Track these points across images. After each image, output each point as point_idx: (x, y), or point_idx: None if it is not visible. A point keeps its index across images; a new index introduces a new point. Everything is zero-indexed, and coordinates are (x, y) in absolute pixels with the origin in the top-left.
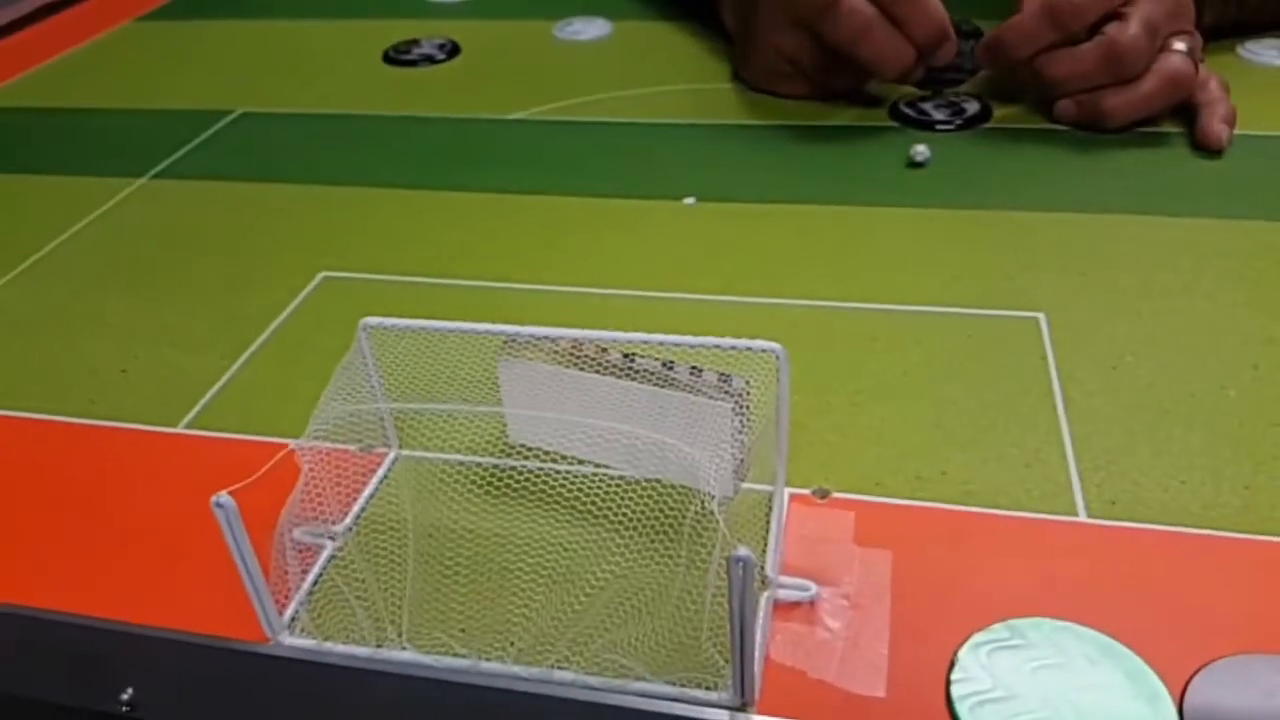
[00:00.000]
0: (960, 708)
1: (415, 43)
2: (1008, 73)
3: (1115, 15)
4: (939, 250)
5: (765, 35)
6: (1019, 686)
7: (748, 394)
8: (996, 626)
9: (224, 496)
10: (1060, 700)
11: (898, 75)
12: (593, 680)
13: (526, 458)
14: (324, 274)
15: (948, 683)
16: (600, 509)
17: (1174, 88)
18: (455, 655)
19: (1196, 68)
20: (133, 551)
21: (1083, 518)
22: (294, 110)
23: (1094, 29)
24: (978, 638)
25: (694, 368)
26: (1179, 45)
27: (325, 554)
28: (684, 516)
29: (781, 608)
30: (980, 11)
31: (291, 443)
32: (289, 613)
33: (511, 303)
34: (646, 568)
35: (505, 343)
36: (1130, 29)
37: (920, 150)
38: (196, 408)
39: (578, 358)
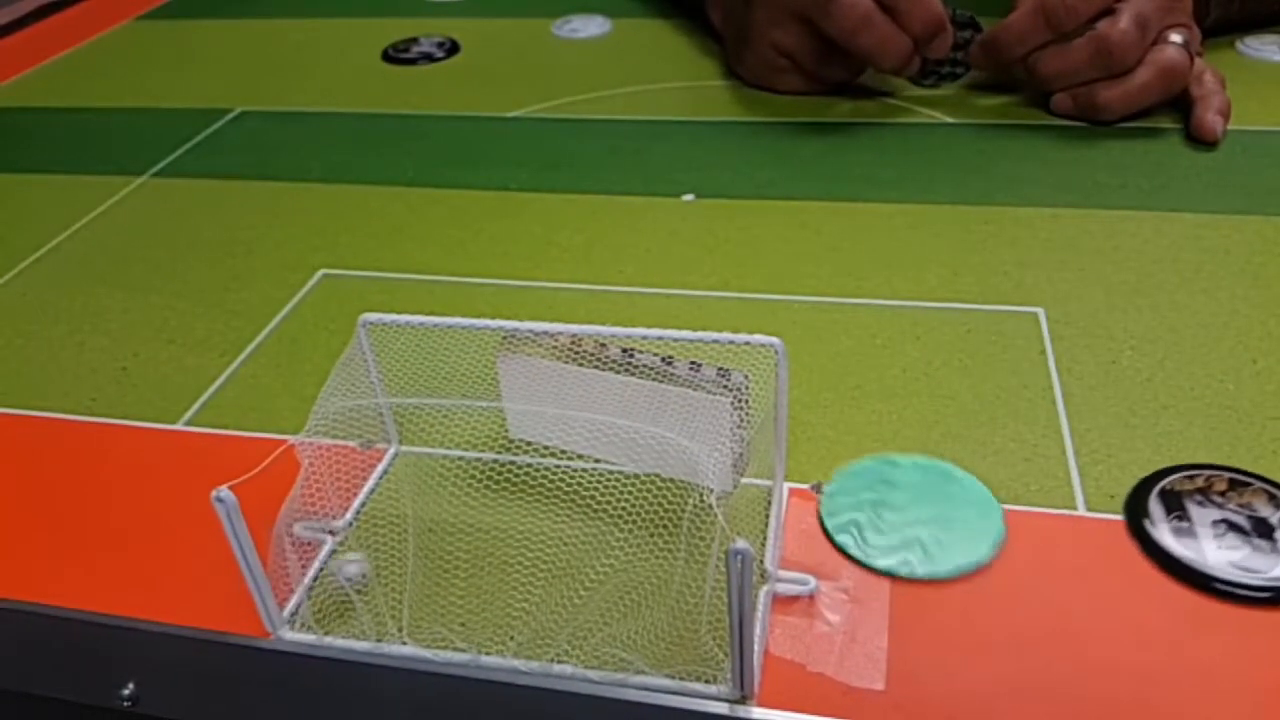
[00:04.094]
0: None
1: (414, 41)
2: (1003, 70)
3: (1109, 11)
4: (938, 246)
5: (761, 30)
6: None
7: (747, 389)
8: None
9: (224, 491)
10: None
11: (895, 67)
12: (592, 674)
13: (526, 453)
14: (323, 271)
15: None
16: (600, 504)
17: (1169, 79)
18: (455, 650)
19: (1192, 60)
20: (134, 548)
21: (1082, 511)
22: (293, 109)
23: (1088, 25)
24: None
25: (693, 362)
26: (1175, 38)
27: (326, 549)
28: (683, 511)
29: (780, 601)
30: (980, 9)
31: (291, 438)
32: (289, 608)
33: (511, 299)
34: (646, 562)
35: (505, 338)
36: (1120, 23)
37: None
38: (196, 405)
39: (577, 353)
